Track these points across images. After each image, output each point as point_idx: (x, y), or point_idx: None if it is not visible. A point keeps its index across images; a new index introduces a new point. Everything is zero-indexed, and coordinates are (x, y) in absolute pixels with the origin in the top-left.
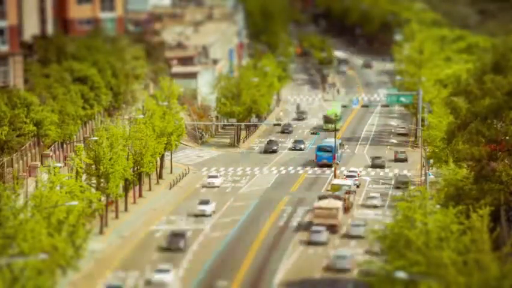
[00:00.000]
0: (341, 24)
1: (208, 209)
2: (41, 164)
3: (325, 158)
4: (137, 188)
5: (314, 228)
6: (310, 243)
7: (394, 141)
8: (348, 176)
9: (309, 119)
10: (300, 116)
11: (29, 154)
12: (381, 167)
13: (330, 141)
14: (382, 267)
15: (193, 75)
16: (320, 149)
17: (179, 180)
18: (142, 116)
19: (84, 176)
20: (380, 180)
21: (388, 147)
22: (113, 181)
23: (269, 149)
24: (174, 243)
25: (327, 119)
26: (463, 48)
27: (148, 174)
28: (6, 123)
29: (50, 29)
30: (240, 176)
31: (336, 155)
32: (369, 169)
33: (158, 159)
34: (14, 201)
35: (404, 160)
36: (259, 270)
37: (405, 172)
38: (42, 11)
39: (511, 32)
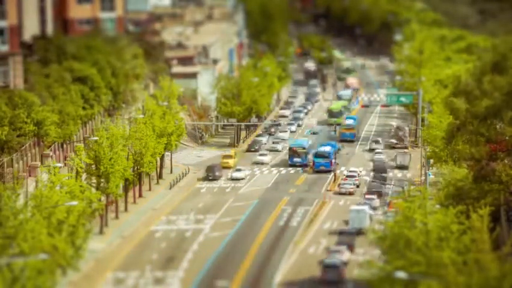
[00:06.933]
0: (341, 24)
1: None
2: (41, 164)
3: (323, 165)
4: (137, 188)
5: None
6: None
7: (394, 141)
8: (348, 176)
9: (309, 118)
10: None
11: (29, 154)
12: (384, 171)
13: (327, 147)
14: (382, 267)
15: (193, 75)
16: (317, 155)
17: (180, 180)
18: (142, 116)
19: (84, 176)
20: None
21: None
22: (113, 181)
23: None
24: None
25: (331, 113)
26: (463, 48)
27: (148, 174)
28: (6, 123)
29: (50, 29)
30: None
31: (333, 161)
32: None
33: (158, 159)
34: (14, 201)
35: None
36: (259, 270)
37: (405, 172)
38: (42, 11)
39: (511, 32)
